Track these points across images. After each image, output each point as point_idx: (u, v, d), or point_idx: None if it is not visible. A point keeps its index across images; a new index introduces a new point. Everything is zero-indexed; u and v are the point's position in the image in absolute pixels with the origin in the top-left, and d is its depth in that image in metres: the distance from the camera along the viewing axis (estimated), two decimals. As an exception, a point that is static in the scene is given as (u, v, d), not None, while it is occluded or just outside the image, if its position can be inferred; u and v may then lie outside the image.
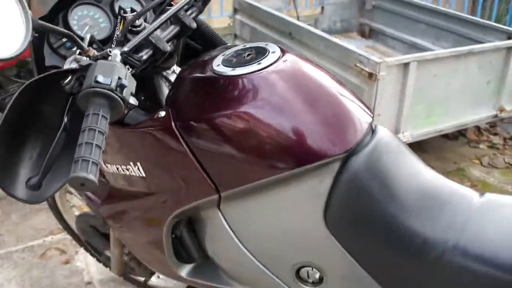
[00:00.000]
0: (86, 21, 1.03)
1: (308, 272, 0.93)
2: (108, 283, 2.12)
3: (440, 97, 2.60)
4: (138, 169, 0.99)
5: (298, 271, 0.94)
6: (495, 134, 3.37)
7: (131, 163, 0.99)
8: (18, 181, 0.81)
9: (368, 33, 4.24)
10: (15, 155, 0.81)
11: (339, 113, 0.89)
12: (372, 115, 0.94)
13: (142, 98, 1.02)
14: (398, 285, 0.87)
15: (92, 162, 0.67)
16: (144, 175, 0.99)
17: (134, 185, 1.04)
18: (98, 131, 0.70)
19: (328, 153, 0.85)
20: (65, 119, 0.81)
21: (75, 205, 2.00)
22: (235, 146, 0.87)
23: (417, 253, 0.84)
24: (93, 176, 0.66)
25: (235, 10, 3.74)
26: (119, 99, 0.73)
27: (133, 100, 0.77)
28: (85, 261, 2.24)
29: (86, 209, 1.81)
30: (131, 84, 0.78)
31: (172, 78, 1.07)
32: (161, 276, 1.97)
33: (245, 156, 0.87)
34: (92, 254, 2.07)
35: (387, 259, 0.86)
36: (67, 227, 2.03)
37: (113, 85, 0.73)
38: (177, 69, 1.09)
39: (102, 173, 1.52)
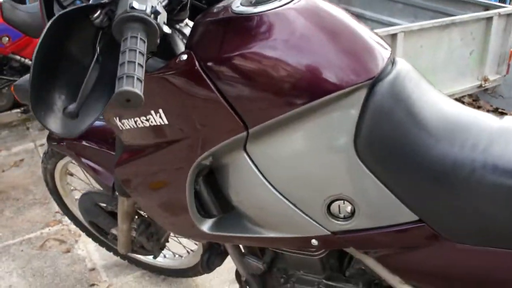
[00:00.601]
0: None
1: (339, 206, 0.93)
2: (112, 268, 2.10)
3: (427, 67, 2.66)
4: (160, 116, 0.98)
5: (329, 206, 0.94)
6: (479, 107, 3.44)
7: (152, 112, 0.99)
8: (52, 115, 0.80)
9: (346, 18, 4.29)
10: (49, 88, 0.80)
11: (361, 44, 0.91)
12: (391, 49, 0.96)
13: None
14: (430, 209, 0.89)
15: (137, 78, 0.67)
16: (167, 122, 0.98)
17: (155, 136, 1.04)
18: (139, 51, 0.70)
19: (355, 80, 0.86)
20: (97, 51, 0.81)
21: (76, 188, 1.98)
22: (262, 80, 0.87)
23: (447, 175, 0.86)
24: (139, 91, 0.66)
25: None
26: (154, 24, 0.74)
27: (166, 29, 0.77)
28: (86, 248, 2.21)
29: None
30: (163, 13, 0.78)
31: (185, 30, 1.07)
32: (167, 255, 1.96)
33: (272, 88, 0.87)
34: (94, 239, 2.05)
35: (418, 184, 0.88)
36: (67, 212, 2.01)
37: (148, 11, 0.74)
38: (189, 22, 1.09)
39: (110, 139, 1.51)
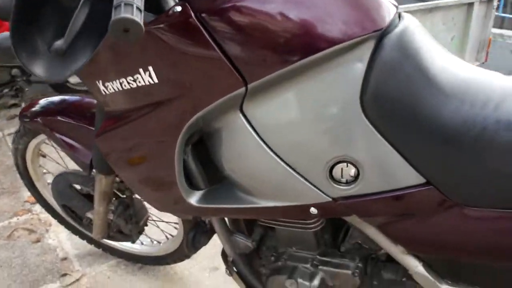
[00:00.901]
0: None
1: (342, 170, 0.87)
2: (85, 257, 2.00)
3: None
4: (150, 75, 0.90)
5: (331, 170, 0.88)
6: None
7: (141, 70, 0.91)
8: (37, 56, 0.71)
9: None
10: (33, 27, 0.71)
11: None
12: (397, 4, 0.90)
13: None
14: (439, 171, 0.83)
15: (136, 7, 0.59)
16: (156, 81, 0.90)
17: (142, 98, 0.95)
18: None
19: (360, 32, 0.80)
20: None
21: (49, 171, 1.86)
22: (262, 32, 0.80)
23: (457, 134, 0.80)
24: (139, 20, 0.58)
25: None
26: None
27: None
28: (57, 238, 2.10)
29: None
30: None
31: None
32: (145, 241, 1.87)
33: (273, 40, 0.80)
34: (67, 226, 1.95)
35: (426, 144, 0.82)
36: (39, 197, 1.90)
37: None
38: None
39: (88, 113, 1.42)
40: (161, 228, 1.82)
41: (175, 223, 1.69)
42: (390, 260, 1.08)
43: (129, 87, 0.95)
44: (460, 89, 0.84)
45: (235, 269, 1.25)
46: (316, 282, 1.07)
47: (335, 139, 0.85)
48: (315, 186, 0.89)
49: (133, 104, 0.98)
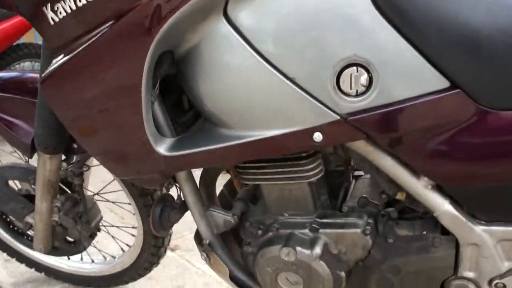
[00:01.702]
0: None
1: (351, 77, 0.71)
2: (24, 285, 1.70)
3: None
4: None
5: (338, 80, 0.72)
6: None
7: None
8: None
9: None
10: None
11: None
12: None
13: None
14: (465, 70, 0.69)
15: None
16: None
17: (102, 11, 0.76)
18: None
19: None
20: None
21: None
22: None
23: (482, 24, 0.68)
24: None
25: None
26: None
27: None
28: (-11, 267, 1.80)
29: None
30: None
31: None
32: (96, 259, 1.62)
33: None
34: (2, 247, 1.65)
35: (448, 38, 0.68)
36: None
37: None
38: None
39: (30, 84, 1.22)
40: (112, 235, 1.57)
41: (133, 227, 1.46)
42: (402, 218, 0.92)
43: (85, 2, 0.77)
44: None
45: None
46: (318, 249, 0.89)
47: (341, 36, 0.70)
48: (320, 101, 0.73)
49: (90, 24, 0.79)
